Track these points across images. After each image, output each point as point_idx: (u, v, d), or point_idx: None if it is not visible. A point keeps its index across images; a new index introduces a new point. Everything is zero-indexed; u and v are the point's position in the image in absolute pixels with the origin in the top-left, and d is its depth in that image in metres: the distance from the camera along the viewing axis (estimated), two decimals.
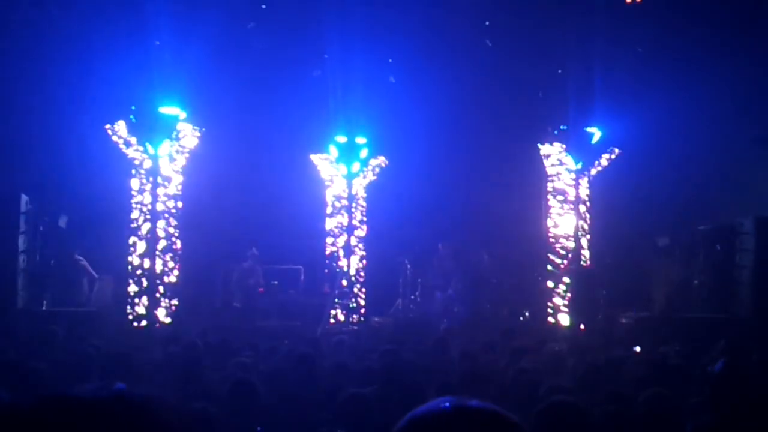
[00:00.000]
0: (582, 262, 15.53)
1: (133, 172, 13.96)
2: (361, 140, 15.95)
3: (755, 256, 13.11)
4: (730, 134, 14.91)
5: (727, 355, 7.66)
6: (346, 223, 16.46)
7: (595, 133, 15.39)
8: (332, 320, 15.07)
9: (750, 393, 5.85)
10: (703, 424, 4.95)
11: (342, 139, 15.91)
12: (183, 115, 13.91)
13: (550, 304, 15.39)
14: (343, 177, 16.36)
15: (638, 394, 5.61)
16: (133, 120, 13.69)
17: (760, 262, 13.01)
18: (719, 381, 6.35)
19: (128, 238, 13.87)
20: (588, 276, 15.02)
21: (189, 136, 14.16)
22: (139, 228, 13.88)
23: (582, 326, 14.04)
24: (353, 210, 16.49)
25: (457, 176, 16.70)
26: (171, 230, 14.13)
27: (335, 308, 15.30)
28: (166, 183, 14.05)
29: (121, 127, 13.76)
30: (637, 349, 10.99)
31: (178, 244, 14.12)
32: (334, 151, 16.06)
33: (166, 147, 13.98)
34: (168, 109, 13.77)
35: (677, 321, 12.89)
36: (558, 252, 15.57)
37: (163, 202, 14.05)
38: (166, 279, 13.91)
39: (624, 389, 6.05)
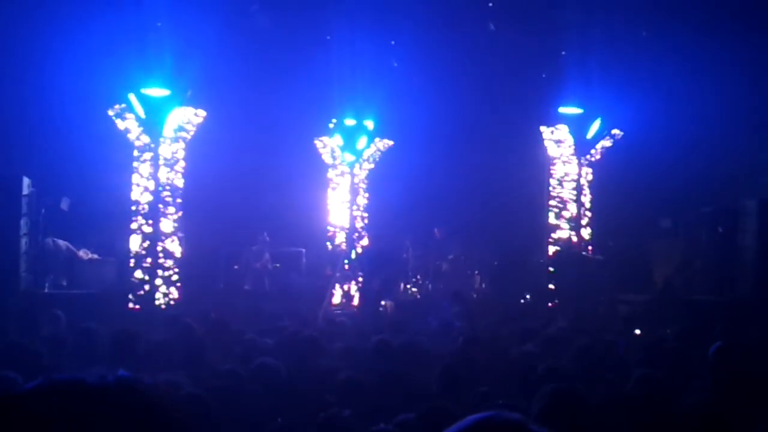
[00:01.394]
0: (583, 245, 15.54)
1: (136, 154, 13.93)
2: (363, 123, 15.92)
3: (758, 237, 13.09)
4: (732, 116, 14.84)
5: (724, 336, 7.69)
6: (348, 205, 16.48)
7: (598, 115, 15.34)
8: (334, 303, 15.11)
9: (748, 373, 5.88)
10: (700, 402, 4.97)
11: (346, 121, 15.90)
12: (186, 96, 13.85)
13: (551, 286, 15.40)
14: (346, 159, 16.37)
15: (635, 376, 5.64)
16: (136, 102, 13.63)
17: (763, 243, 13.00)
18: (715, 361, 6.41)
19: (131, 221, 13.86)
20: (589, 258, 15.02)
21: (192, 118, 14.12)
22: (141, 210, 13.87)
23: (584, 309, 14.04)
24: (356, 192, 16.51)
25: (459, 159, 16.67)
26: (173, 213, 14.11)
27: (337, 290, 15.34)
28: (168, 165, 14.03)
29: (123, 109, 13.72)
30: (638, 332, 11.02)
31: (181, 227, 14.12)
32: (336, 134, 16.05)
33: (168, 129, 13.94)
34: (170, 92, 13.71)
35: (679, 303, 12.90)
36: (559, 234, 15.58)
37: (166, 185, 14.02)
38: (168, 261, 13.92)
39: (623, 372, 6.07)
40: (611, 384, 5.65)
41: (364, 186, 16.75)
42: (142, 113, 13.69)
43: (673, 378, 5.90)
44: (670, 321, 10.37)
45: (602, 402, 4.49)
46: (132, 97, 13.64)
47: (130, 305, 13.46)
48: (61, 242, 14.64)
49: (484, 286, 16.14)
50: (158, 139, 13.85)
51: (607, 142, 15.56)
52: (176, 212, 14.10)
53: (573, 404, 3.52)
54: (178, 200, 14.08)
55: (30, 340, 7.66)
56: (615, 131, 15.57)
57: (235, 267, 15.89)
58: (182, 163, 14.21)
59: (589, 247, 15.60)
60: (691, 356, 7.10)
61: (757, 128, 14.71)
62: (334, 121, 16.03)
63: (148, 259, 13.82)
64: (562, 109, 15.28)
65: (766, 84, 14.45)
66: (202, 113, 14.13)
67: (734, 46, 14.21)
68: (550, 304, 14.72)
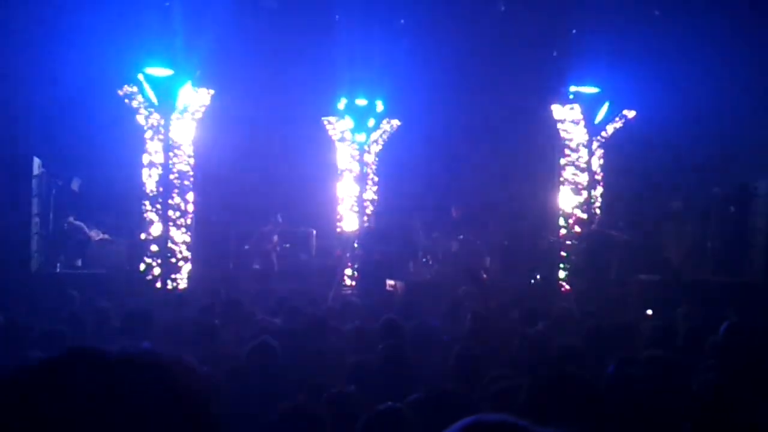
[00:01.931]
0: (593, 226, 15.48)
1: (146, 135, 13.94)
2: (372, 102, 15.88)
3: None
4: (744, 96, 14.71)
5: (734, 318, 7.69)
6: (357, 186, 16.49)
7: (609, 95, 15.23)
8: (344, 283, 15.15)
9: (756, 354, 5.88)
10: (708, 383, 4.97)
11: (354, 101, 15.86)
12: (196, 76, 13.83)
13: (561, 267, 15.39)
14: (355, 140, 16.35)
15: (644, 356, 5.64)
16: (146, 85, 13.62)
17: None
18: (724, 342, 6.42)
19: (141, 201, 13.90)
20: (601, 238, 14.97)
21: (201, 98, 14.10)
22: (151, 190, 13.90)
23: (594, 289, 14.04)
24: (365, 172, 16.51)
25: (469, 138, 16.63)
26: (183, 193, 14.13)
27: (347, 271, 15.37)
28: (178, 145, 14.03)
29: (133, 89, 13.71)
30: (649, 312, 11.02)
31: (191, 207, 14.15)
32: (345, 113, 16.02)
33: (178, 109, 13.93)
34: (180, 72, 13.68)
35: (690, 284, 12.87)
36: (570, 215, 15.54)
37: (175, 165, 14.03)
38: (178, 241, 13.96)
39: (634, 352, 6.06)
40: (623, 364, 5.65)
41: (373, 167, 16.74)
42: (154, 98, 13.68)
43: (683, 359, 5.90)
44: (681, 302, 10.33)
45: (610, 382, 4.49)
46: (142, 77, 13.63)
47: (141, 285, 13.49)
48: (78, 222, 14.74)
49: (494, 266, 16.12)
50: (168, 120, 13.85)
51: (618, 123, 15.46)
52: (186, 192, 14.11)
53: (579, 389, 3.51)
54: (186, 183, 14.09)
55: (49, 320, 7.75)
56: (627, 112, 15.45)
57: (246, 247, 15.93)
58: (192, 144, 14.21)
59: (600, 226, 15.53)
60: (701, 337, 7.11)
61: None
62: (343, 101, 15.98)
63: (158, 240, 13.85)
64: (574, 88, 15.16)
65: None
66: (211, 92, 14.11)
67: (748, 25, 14.06)
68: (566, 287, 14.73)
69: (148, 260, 13.78)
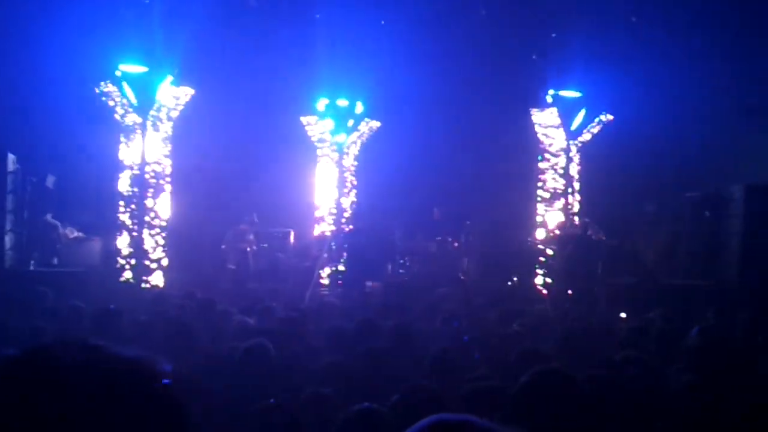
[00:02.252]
0: (570, 229, 15.56)
1: (122, 133, 13.80)
2: (351, 103, 15.85)
3: (743, 223, 13.17)
4: (720, 102, 14.87)
5: (708, 320, 7.77)
6: (336, 186, 16.45)
7: (587, 100, 15.32)
8: (321, 284, 15.09)
9: (730, 356, 5.94)
10: (681, 384, 5.02)
11: (334, 102, 15.81)
12: (172, 75, 13.72)
13: (538, 269, 15.46)
14: (334, 140, 16.31)
15: (619, 357, 5.68)
16: (122, 80, 13.49)
17: (748, 229, 13.08)
18: (696, 344, 6.50)
19: (116, 199, 13.76)
20: (578, 242, 15.05)
21: (179, 96, 13.99)
22: (127, 189, 13.76)
23: (569, 291, 14.11)
24: (343, 173, 16.48)
25: (448, 141, 16.65)
26: (159, 191, 14.01)
27: (324, 271, 15.33)
28: (155, 143, 13.91)
29: (110, 87, 13.57)
30: (623, 315, 11.08)
31: (167, 205, 14.03)
32: (325, 114, 15.97)
33: (155, 107, 13.81)
34: (157, 70, 13.57)
35: (664, 287, 12.97)
36: (547, 217, 15.61)
37: (152, 163, 13.91)
38: (154, 240, 13.83)
39: (608, 354, 6.09)
40: (597, 366, 5.67)
41: (352, 168, 16.71)
42: (133, 98, 13.54)
43: (658, 360, 5.94)
44: (655, 305, 10.41)
45: (586, 383, 4.51)
46: (120, 74, 13.49)
47: (116, 283, 13.36)
48: (53, 221, 14.57)
49: (472, 268, 16.15)
50: (146, 117, 13.72)
51: (595, 128, 15.55)
52: (162, 190, 13.99)
53: (556, 384, 3.51)
54: (162, 181, 13.96)
55: (19, 318, 7.64)
56: (603, 116, 15.54)
57: (222, 247, 15.82)
58: (169, 140, 14.07)
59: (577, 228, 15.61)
60: (675, 339, 7.16)
61: (744, 114, 14.74)
62: (323, 101, 15.92)
63: (133, 239, 13.71)
64: (553, 92, 15.23)
65: (753, 70, 14.47)
66: (190, 92, 14.01)
67: (722, 33, 14.21)
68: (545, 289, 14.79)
69: (122, 260, 13.63)
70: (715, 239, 13.86)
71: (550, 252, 15.38)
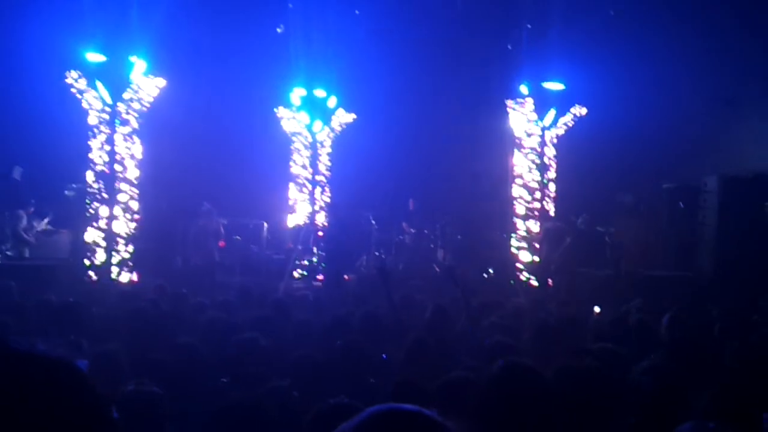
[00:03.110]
0: (546, 220, 15.55)
1: (91, 123, 13.53)
2: (326, 94, 15.69)
3: (718, 214, 13.22)
4: (696, 94, 14.91)
5: (681, 310, 7.80)
6: (310, 178, 16.30)
7: (563, 90, 15.29)
8: (295, 276, 14.97)
9: (700, 345, 5.96)
10: (653, 373, 5.00)
11: (308, 92, 15.63)
12: (143, 64, 13.47)
13: (515, 261, 15.43)
14: (308, 131, 16.15)
15: (593, 348, 5.66)
16: (91, 68, 13.21)
17: (723, 220, 13.12)
18: (666, 335, 6.55)
19: (86, 192, 13.50)
20: (553, 233, 15.04)
21: (149, 86, 13.75)
22: (96, 181, 13.50)
23: (548, 282, 14.12)
24: (318, 165, 16.33)
25: (423, 133, 16.55)
26: (129, 184, 13.76)
27: (298, 264, 15.19)
28: (124, 135, 13.65)
29: (78, 75, 13.30)
30: (597, 309, 11.05)
31: (137, 198, 13.78)
32: (299, 105, 15.80)
33: (125, 98, 13.55)
34: (130, 57, 13.31)
35: (640, 278, 12.98)
36: (523, 208, 15.58)
37: (121, 154, 13.66)
38: (124, 233, 13.60)
39: (583, 346, 6.05)
40: (570, 358, 5.62)
41: (327, 159, 16.55)
42: (104, 91, 13.28)
43: (632, 351, 5.91)
44: (631, 296, 10.41)
45: (558, 374, 4.47)
46: (88, 62, 13.22)
47: (84, 277, 13.13)
48: (20, 212, 14.29)
49: (447, 259, 16.09)
50: (114, 108, 13.46)
51: (571, 118, 15.52)
52: (132, 184, 13.74)
53: (524, 376, 3.48)
54: (132, 174, 13.71)
55: None
56: (576, 110, 15.50)
57: (188, 241, 15.59)
58: (139, 130, 13.82)
59: (553, 220, 15.60)
60: (649, 330, 7.16)
61: (719, 106, 14.80)
62: (297, 92, 15.74)
63: (102, 232, 13.47)
64: (528, 83, 15.18)
65: (728, 62, 14.52)
66: (161, 82, 13.77)
67: (697, 26, 14.25)
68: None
69: (92, 251, 13.38)
70: (689, 230, 13.90)
71: (525, 244, 15.35)
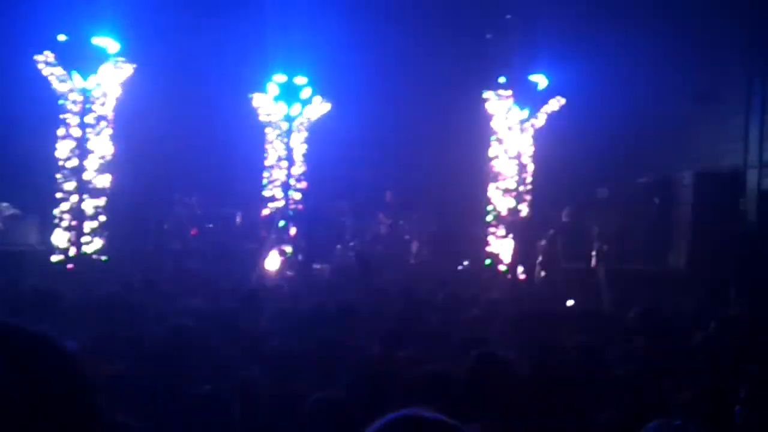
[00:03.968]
0: (522, 213, 15.56)
1: (62, 106, 13.28)
2: (302, 81, 15.51)
3: (693, 209, 13.29)
4: (671, 89, 14.96)
5: (655, 305, 7.85)
6: (285, 167, 16.13)
7: (541, 82, 15.27)
8: (269, 266, 14.82)
9: (672, 338, 6.01)
10: (627, 366, 5.02)
11: (283, 78, 15.44)
12: (116, 47, 13.22)
13: (490, 253, 15.43)
14: (284, 118, 15.96)
15: (569, 343, 5.67)
16: (63, 50, 12.94)
17: (698, 215, 13.19)
18: (637, 325, 6.62)
19: (55, 176, 13.25)
20: (528, 227, 15.05)
21: (122, 70, 13.51)
22: (66, 166, 13.25)
23: (522, 276, 14.10)
24: (293, 153, 16.16)
25: (399, 122, 16.42)
26: (101, 169, 13.54)
27: (272, 253, 15.05)
28: (96, 119, 13.42)
29: (49, 57, 13.02)
30: (570, 302, 11.07)
31: (108, 184, 13.56)
32: (274, 91, 15.60)
33: (97, 81, 13.30)
34: (100, 41, 13.06)
35: (615, 272, 13.02)
36: (499, 201, 15.57)
37: (93, 139, 13.42)
38: (95, 220, 13.37)
39: (558, 339, 6.06)
40: (545, 351, 5.61)
41: (303, 149, 16.39)
42: (70, 65, 13.02)
43: (606, 344, 5.93)
44: (606, 289, 10.44)
45: (535, 367, 4.46)
46: (60, 49, 12.96)
47: (54, 264, 12.90)
48: None
49: (422, 251, 16.05)
50: (86, 92, 13.21)
51: (548, 110, 15.52)
52: (104, 168, 13.52)
53: (498, 368, 3.45)
54: (104, 159, 13.48)
55: None
56: (554, 102, 15.50)
57: (165, 227, 15.40)
58: (111, 115, 13.60)
59: (528, 213, 15.61)
60: (624, 324, 7.19)
61: (696, 100, 14.85)
62: (271, 79, 15.54)
63: (73, 218, 13.24)
64: (506, 75, 15.14)
65: (704, 57, 14.58)
66: (133, 65, 13.53)
67: (675, 19, 14.28)
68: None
69: (62, 237, 13.15)
70: (664, 225, 13.97)
71: (501, 237, 15.35)
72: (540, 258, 13.99)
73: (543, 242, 14.05)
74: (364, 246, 15.83)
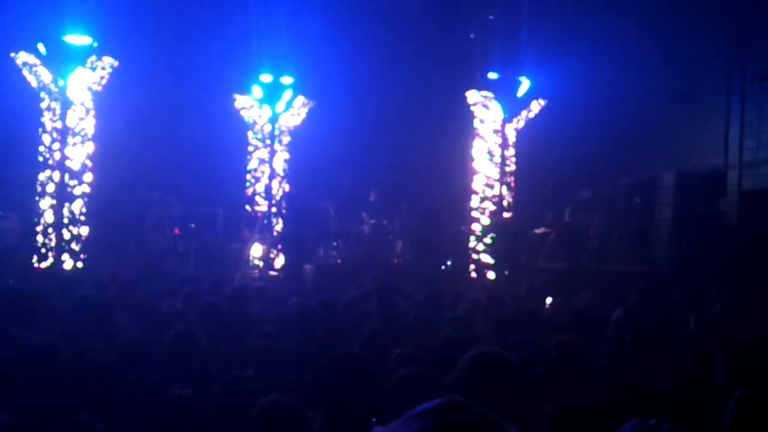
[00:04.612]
0: (504, 213, 15.60)
1: (42, 105, 13.16)
2: (286, 80, 15.46)
3: (673, 210, 13.34)
4: (652, 90, 15.04)
5: (636, 305, 7.88)
6: (268, 166, 16.09)
7: (523, 83, 15.32)
8: (252, 266, 14.77)
9: (651, 339, 6.04)
10: (607, 364, 5.04)
11: (266, 78, 15.39)
12: (94, 44, 13.09)
13: (472, 254, 15.46)
14: (267, 118, 15.92)
15: (550, 342, 5.69)
16: (42, 48, 12.82)
17: (678, 216, 13.26)
18: (620, 326, 6.64)
19: (35, 176, 13.14)
20: (510, 226, 15.09)
21: (103, 68, 13.40)
22: (46, 165, 13.14)
23: (504, 274, 14.15)
24: (276, 153, 16.12)
25: (383, 122, 16.42)
26: (81, 168, 13.43)
27: (255, 253, 15.01)
28: (77, 117, 13.30)
29: (28, 56, 12.90)
30: (549, 300, 11.11)
31: (89, 184, 13.44)
32: (257, 91, 15.55)
33: (77, 79, 13.19)
34: (79, 38, 12.94)
35: (596, 272, 13.07)
36: (482, 201, 15.60)
37: (74, 137, 13.31)
38: (75, 219, 13.25)
39: (539, 338, 6.06)
40: (525, 349, 5.62)
41: (286, 149, 16.34)
42: (50, 63, 12.89)
43: (588, 344, 5.95)
44: (587, 289, 10.48)
45: (519, 365, 4.46)
46: (41, 47, 12.83)
47: (33, 264, 12.79)
48: None
49: (405, 251, 16.06)
50: (66, 90, 13.09)
51: (531, 111, 15.57)
52: (84, 168, 13.41)
53: (493, 367, 3.45)
54: (85, 158, 13.37)
55: None
56: (539, 100, 15.57)
57: (147, 225, 15.31)
58: (92, 114, 13.48)
59: (510, 213, 15.68)
60: (604, 324, 7.21)
61: (677, 101, 14.94)
62: (255, 79, 15.49)
63: (52, 217, 13.12)
64: (489, 75, 15.16)
65: (686, 58, 14.66)
66: (115, 64, 13.42)
67: (656, 20, 14.35)
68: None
69: (41, 236, 13.03)
70: (645, 225, 14.03)
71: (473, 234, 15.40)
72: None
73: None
74: (347, 246, 15.84)
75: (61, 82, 13.02)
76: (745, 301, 9.23)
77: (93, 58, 13.15)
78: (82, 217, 13.28)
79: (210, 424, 3.81)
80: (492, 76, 15.14)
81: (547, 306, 10.50)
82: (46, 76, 13.03)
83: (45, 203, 13.12)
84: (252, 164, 16.17)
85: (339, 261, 15.65)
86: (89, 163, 13.42)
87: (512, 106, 15.44)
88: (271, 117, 15.86)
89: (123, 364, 5.08)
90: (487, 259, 15.18)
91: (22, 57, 12.84)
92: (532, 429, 3.52)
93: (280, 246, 15.15)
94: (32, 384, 4.28)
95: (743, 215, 13.09)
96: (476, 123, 15.60)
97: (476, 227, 15.53)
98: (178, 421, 3.73)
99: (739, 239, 12.75)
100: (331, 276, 12.88)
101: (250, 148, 16.16)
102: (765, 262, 11.66)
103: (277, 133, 16.04)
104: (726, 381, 4.51)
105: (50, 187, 13.17)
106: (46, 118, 13.15)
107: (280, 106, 15.69)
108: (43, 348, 4.79)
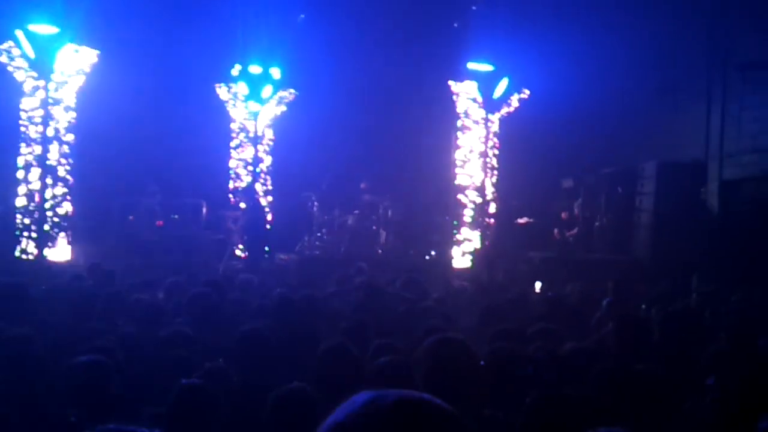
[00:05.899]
0: (487, 204, 15.64)
1: (23, 96, 13.05)
2: (269, 71, 15.39)
3: (655, 199, 13.44)
4: (634, 81, 15.10)
5: (618, 294, 7.94)
6: (251, 157, 16.03)
7: (506, 73, 15.32)
8: (235, 257, 14.74)
9: (635, 326, 6.08)
10: (595, 354, 5.06)
11: (249, 69, 15.31)
12: (76, 34, 12.97)
13: (455, 244, 15.50)
14: (249, 109, 15.85)
15: (533, 329, 5.72)
16: (24, 40, 12.69)
17: (660, 205, 13.36)
18: (607, 314, 6.69)
19: (17, 168, 13.04)
20: (494, 216, 15.16)
21: (85, 58, 13.29)
22: (29, 156, 13.04)
23: (487, 265, 14.18)
24: (259, 143, 16.05)
25: (366, 112, 16.37)
26: (64, 160, 13.34)
27: (238, 245, 14.98)
28: (59, 109, 13.20)
29: (10, 46, 12.78)
30: (537, 285, 11.18)
31: (70, 176, 13.36)
32: (240, 82, 15.48)
33: (59, 69, 13.08)
34: (60, 28, 12.81)
35: (579, 261, 13.15)
36: (465, 191, 15.63)
37: (56, 128, 13.21)
38: (57, 211, 13.18)
39: (522, 327, 6.09)
40: (506, 338, 5.65)
41: (269, 140, 16.29)
42: (31, 53, 12.75)
43: (571, 332, 5.97)
44: (570, 278, 10.54)
45: (497, 353, 4.48)
46: (20, 34, 12.70)
47: (16, 256, 12.72)
48: None
49: (389, 241, 16.06)
50: (48, 81, 12.98)
51: (514, 101, 15.59)
52: (66, 159, 13.32)
53: (457, 356, 3.46)
54: (67, 149, 13.27)
55: None
56: (521, 93, 15.59)
57: (130, 218, 15.23)
58: (74, 105, 13.39)
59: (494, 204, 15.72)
60: (589, 313, 7.25)
61: (659, 92, 15.01)
62: (238, 67, 15.40)
63: (35, 209, 13.03)
64: (472, 65, 15.15)
65: (667, 48, 14.72)
66: (96, 53, 13.32)
67: (639, 11, 14.39)
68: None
69: (24, 229, 12.95)
70: (627, 215, 14.12)
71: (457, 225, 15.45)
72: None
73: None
74: (331, 237, 15.83)
75: (43, 72, 12.89)
76: (725, 289, 9.31)
77: (76, 46, 13.02)
78: (65, 210, 13.20)
79: (221, 413, 3.82)
80: (475, 66, 15.12)
81: (537, 291, 10.58)
82: (26, 65, 12.90)
83: (26, 195, 13.02)
84: (235, 155, 16.11)
85: (317, 252, 15.58)
86: (67, 151, 13.31)
87: (495, 96, 15.44)
88: (254, 108, 15.78)
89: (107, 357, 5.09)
90: (469, 248, 15.25)
91: (5, 46, 12.71)
92: (510, 419, 3.54)
93: (262, 237, 15.06)
94: (4, 376, 4.25)
95: (724, 205, 13.19)
96: (459, 113, 15.60)
97: (460, 217, 15.57)
98: (189, 411, 3.73)
99: (720, 228, 12.86)
100: (313, 267, 12.88)
101: (233, 140, 16.09)
102: (745, 250, 11.78)
103: (260, 124, 15.97)
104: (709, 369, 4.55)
105: (32, 177, 13.07)
106: (27, 108, 13.03)
107: (263, 96, 15.61)
108: (18, 340, 4.75)
